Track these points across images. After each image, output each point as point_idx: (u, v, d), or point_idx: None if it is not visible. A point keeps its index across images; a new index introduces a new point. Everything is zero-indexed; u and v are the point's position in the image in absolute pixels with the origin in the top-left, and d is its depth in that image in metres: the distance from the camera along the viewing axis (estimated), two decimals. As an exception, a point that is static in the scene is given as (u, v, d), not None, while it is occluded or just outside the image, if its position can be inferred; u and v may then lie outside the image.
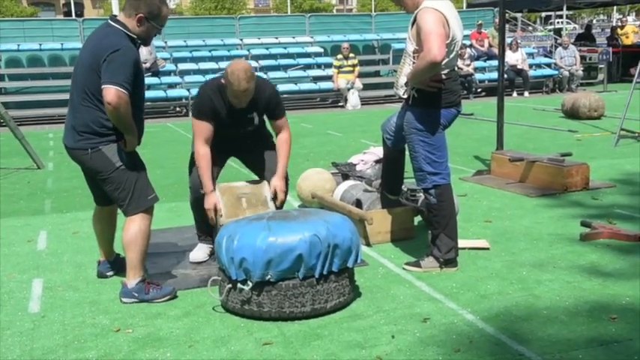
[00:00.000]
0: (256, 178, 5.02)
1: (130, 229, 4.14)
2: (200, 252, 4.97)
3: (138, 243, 4.14)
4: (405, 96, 4.58)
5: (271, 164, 4.84)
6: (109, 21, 4.12)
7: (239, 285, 3.81)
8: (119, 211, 4.33)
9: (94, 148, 4.05)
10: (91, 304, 4.19)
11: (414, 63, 4.42)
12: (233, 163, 5.01)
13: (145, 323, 3.88)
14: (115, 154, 4.07)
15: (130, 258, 4.15)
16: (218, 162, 4.83)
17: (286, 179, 4.82)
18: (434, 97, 4.45)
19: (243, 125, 4.76)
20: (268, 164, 4.86)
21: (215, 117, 4.61)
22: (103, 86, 3.87)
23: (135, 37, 4.07)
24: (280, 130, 4.85)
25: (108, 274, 4.61)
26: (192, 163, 4.79)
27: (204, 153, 4.60)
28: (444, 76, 4.42)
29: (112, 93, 3.84)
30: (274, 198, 4.74)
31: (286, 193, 4.83)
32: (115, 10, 22.63)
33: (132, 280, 4.16)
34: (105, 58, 3.89)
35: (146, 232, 4.19)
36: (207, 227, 4.92)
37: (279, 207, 4.76)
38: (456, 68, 4.64)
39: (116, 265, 4.63)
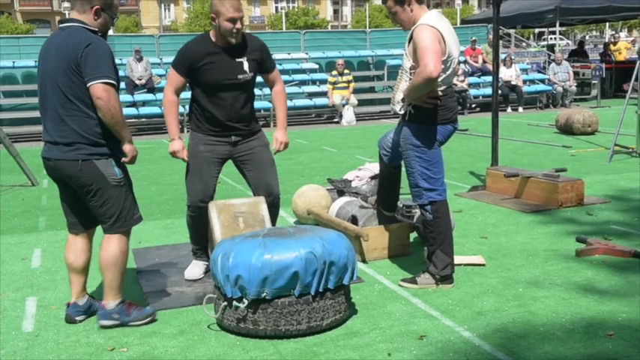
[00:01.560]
0: (251, 190, 4.98)
1: (110, 249, 3.98)
2: (195, 269, 4.93)
3: (118, 264, 3.99)
4: (402, 112, 4.58)
5: (266, 180, 4.83)
6: (62, 24, 3.95)
7: (234, 303, 3.78)
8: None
9: (86, 160, 3.87)
10: (85, 322, 4.15)
11: (410, 79, 4.43)
12: (228, 179, 5.06)
13: (139, 342, 3.85)
14: (108, 168, 3.92)
15: (110, 279, 3.99)
16: (214, 170, 4.79)
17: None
18: (430, 114, 4.46)
19: (233, 70, 4.68)
20: (263, 180, 4.83)
21: (196, 66, 4.63)
22: (88, 84, 3.74)
23: (96, 30, 3.91)
24: (274, 82, 4.96)
25: (77, 318, 4.13)
26: (189, 180, 4.79)
27: (172, 100, 4.74)
28: (440, 93, 4.44)
29: (100, 88, 3.72)
30: (278, 151, 4.91)
31: (287, 144, 4.95)
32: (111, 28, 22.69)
33: (111, 301, 4.01)
34: (81, 54, 3.74)
35: (126, 253, 4.06)
36: (203, 244, 4.91)
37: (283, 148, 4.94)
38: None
39: (88, 309, 4.18)
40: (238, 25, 4.54)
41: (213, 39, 4.68)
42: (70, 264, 4.14)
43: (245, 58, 4.71)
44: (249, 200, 4.85)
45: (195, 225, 4.86)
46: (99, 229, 4.14)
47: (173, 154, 4.75)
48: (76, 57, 3.74)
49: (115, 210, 3.97)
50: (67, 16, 4.04)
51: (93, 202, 3.95)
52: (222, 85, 4.67)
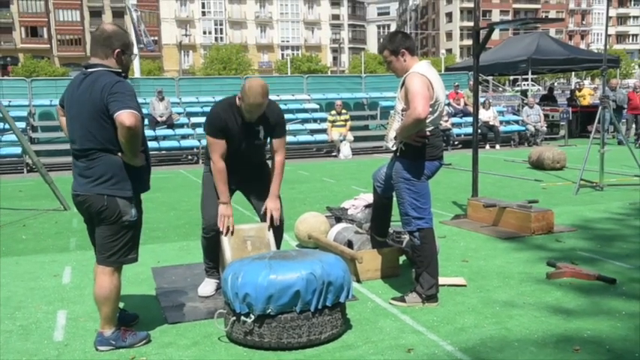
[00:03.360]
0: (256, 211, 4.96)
1: (105, 285, 3.80)
2: (208, 287, 4.89)
3: (112, 298, 3.82)
4: (394, 148, 4.60)
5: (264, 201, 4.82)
6: (87, 70, 3.76)
7: (242, 318, 3.76)
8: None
9: (111, 196, 3.71)
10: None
11: (402, 120, 4.45)
12: (237, 206, 5.06)
13: (157, 352, 3.82)
14: (128, 209, 3.77)
15: (106, 312, 3.83)
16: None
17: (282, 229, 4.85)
18: (419, 151, 4.47)
19: (250, 136, 4.67)
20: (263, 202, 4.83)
21: (226, 132, 4.57)
22: (118, 112, 3.52)
23: (120, 71, 3.78)
24: (277, 150, 4.77)
25: (100, 348, 3.89)
26: (205, 205, 4.75)
27: (221, 167, 4.58)
28: (428, 133, 4.46)
29: (132, 116, 3.52)
30: (271, 219, 4.72)
31: (280, 210, 4.78)
32: (137, 71, 22.84)
33: (108, 330, 3.85)
34: (108, 93, 3.58)
35: (119, 287, 3.87)
36: (215, 263, 4.88)
37: (277, 224, 4.75)
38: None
39: (124, 320, 4.10)
40: (257, 113, 4.52)
41: (238, 103, 4.58)
42: (96, 296, 3.91)
43: (262, 127, 4.69)
44: (256, 225, 4.83)
45: (209, 246, 4.82)
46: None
47: (222, 217, 4.59)
48: (102, 100, 3.60)
49: (115, 245, 3.80)
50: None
51: (101, 231, 3.81)
52: (239, 149, 4.69)
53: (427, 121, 4.34)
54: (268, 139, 4.81)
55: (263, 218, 4.82)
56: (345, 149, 16.63)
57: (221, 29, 73.66)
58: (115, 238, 3.80)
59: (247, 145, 4.70)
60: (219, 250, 4.76)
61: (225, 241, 4.62)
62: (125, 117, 3.52)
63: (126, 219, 3.79)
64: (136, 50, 22.50)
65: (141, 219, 3.94)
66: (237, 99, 4.58)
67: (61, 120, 4.08)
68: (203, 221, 4.79)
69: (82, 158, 3.76)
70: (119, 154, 3.71)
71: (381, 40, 4.73)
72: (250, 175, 4.86)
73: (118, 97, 3.58)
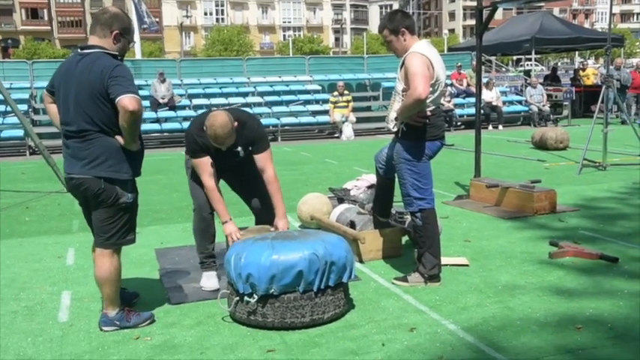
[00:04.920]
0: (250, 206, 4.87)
1: (104, 267, 3.80)
2: (212, 280, 4.62)
3: (113, 279, 3.82)
4: (395, 129, 4.59)
5: (259, 200, 4.75)
6: (82, 50, 3.72)
7: (245, 298, 3.78)
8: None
9: (108, 178, 3.67)
10: (113, 314, 4.15)
11: (402, 100, 4.44)
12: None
13: (161, 332, 3.85)
14: (124, 191, 3.74)
15: (108, 293, 3.83)
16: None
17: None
18: (420, 131, 4.46)
19: (230, 157, 4.52)
20: (258, 201, 4.76)
21: (206, 151, 4.41)
22: (121, 97, 3.49)
23: (117, 54, 3.72)
24: (264, 167, 4.53)
25: (105, 328, 3.90)
26: (194, 187, 4.61)
27: (212, 187, 4.42)
28: (429, 113, 4.45)
29: (135, 101, 3.50)
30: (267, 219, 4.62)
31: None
32: (138, 52, 22.76)
33: (112, 311, 3.87)
34: (108, 76, 3.54)
35: (119, 268, 3.87)
36: (210, 250, 4.67)
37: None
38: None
39: (124, 299, 4.05)
40: (228, 143, 4.32)
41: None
42: (97, 278, 3.91)
43: (240, 148, 4.50)
44: (257, 227, 4.67)
45: (204, 227, 4.63)
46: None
47: (229, 236, 4.44)
48: (103, 82, 3.56)
49: (112, 227, 3.78)
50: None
51: (98, 215, 3.79)
52: (224, 165, 4.56)
53: (428, 100, 4.32)
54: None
55: (259, 218, 4.76)
56: (348, 130, 16.60)
57: (222, 10, 73.18)
58: (113, 220, 3.78)
59: (230, 162, 4.58)
60: (214, 236, 4.67)
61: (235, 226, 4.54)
62: (128, 101, 3.50)
63: (123, 201, 3.76)
64: (137, 37, 22.42)
65: (137, 201, 3.91)
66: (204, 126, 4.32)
67: (48, 107, 3.95)
68: (195, 202, 4.64)
69: (77, 139, 3.69)
70: (116, 137, 3.68)
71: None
72: (240, 175, 4.74)
73: (120, 80, 3.55)
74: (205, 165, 4.42)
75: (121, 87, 3.53)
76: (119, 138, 3.69)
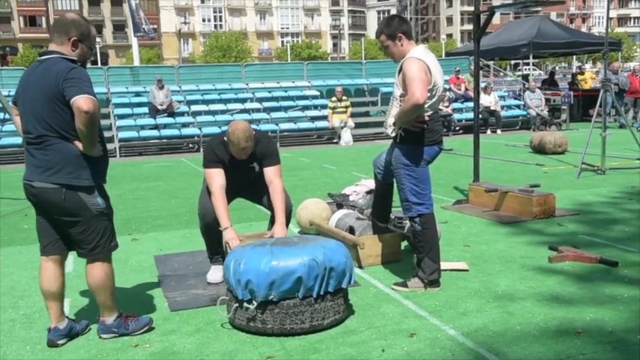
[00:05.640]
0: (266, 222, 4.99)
1: (96, 274, 3.75)
2: (217, 273, 4.84)
3: (107, 286, 3.78)
4: (393, 134, 4.59)
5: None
6: (42, 56, 3.65)
7: (245, 304, 3.77)
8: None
9: (68, 186, 3.55)
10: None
11: (400, 106, 4.44)
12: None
13: (160, 339, 3.84)
14: (92, 199, 3.63)
15: (103, 300, 3.80)
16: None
17: (288, 216, 4.79)
18: (418, 136, 4.46)
19: (245, 173, 4.77)
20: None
21: (222, 164, 4.64)
22: (74, 98, 3.40)
23: (75, 59, 3.64)
24: (272, 179, 4.68)
25: (60, 342, 3.78)
26: (203, 195, 4.78)
27: (218, 193, 4.56)
28: (427, 117, 4.45)
29: (88, 101, 3.39)
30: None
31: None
32: (136, 59, 22.79)
33: (109, 318, 3.84)
34: (63, 79, 3.45)
35: (111, 274, 3.81)
36: (217, 249, 4.88)
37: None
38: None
39: (69, 332, 3.85)
40: (246, 154, 4.59)
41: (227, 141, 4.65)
42: (46, 291, 3.79)
43: (255, 163, 4.74)
44: (257, 234, 4.87)
45: (210, 232, 4.79)
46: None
47: (230, 242, 4.51)
48: (58, 85, 3.47)
49: (95, 236, 3.70)
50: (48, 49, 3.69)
51: (74, 229, 3.68)
52: (238, 181, 4.76)
53: (426, 105, 4.33)
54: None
55: (270, 208, 4.85)
56: (346, 136, 16.61)
57: (220, 16, 73.40)
58: (91, 230, 3.68)
59: (245, 178, 4.80)
60: (220, 239, 4.77)
61: (235, 233, 4.59)
62: (82, 102, 3.40)
63: (93, 208, 3.66)
64: (134, 44, 22.23)
65: (110, 206, 3.82)
66: (224, 138, 4.63)
67: (14, 120, 3.91)
68: (199, 208, 4.81)
69: (36, 146, 3.60)
70: (75, 142, 3.58)
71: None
72: (255, 188, 4.90)
73: (75, 82, 3.46)
74: (217, 174, 4.62)
75: (76, 88, 3.45)
76: (78, 143, 3.58)
